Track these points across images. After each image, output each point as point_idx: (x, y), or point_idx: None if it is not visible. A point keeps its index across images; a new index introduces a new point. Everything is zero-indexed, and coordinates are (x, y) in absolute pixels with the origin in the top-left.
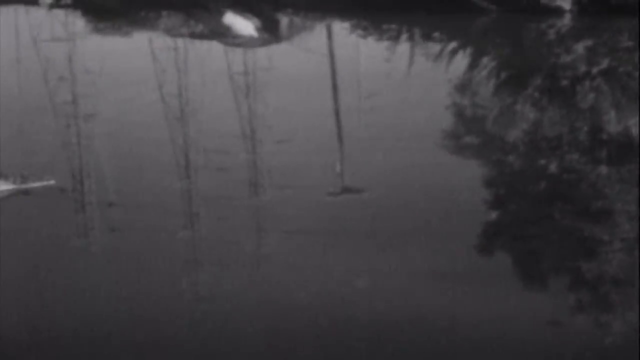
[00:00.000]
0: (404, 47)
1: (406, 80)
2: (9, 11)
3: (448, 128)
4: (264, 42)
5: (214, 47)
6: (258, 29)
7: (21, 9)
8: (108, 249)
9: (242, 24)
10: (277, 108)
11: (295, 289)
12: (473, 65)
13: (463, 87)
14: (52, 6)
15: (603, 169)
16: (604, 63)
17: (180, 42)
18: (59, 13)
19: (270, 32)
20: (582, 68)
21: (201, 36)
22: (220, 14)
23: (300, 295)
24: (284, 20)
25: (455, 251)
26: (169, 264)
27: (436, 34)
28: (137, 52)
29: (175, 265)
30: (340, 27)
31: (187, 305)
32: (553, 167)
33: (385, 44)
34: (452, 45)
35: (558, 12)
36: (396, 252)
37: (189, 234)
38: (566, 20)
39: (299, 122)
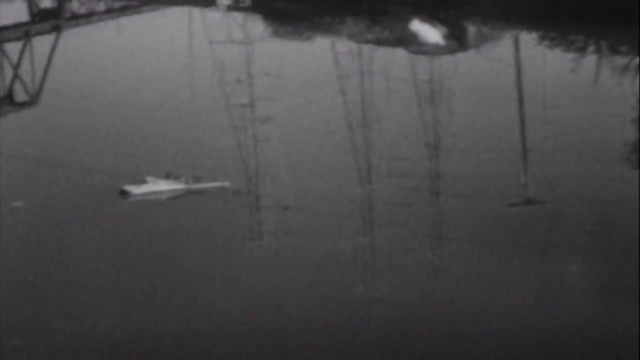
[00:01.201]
0: (590, 59)
1: (592, 92)
2: (183, 12)
3: (633, 142)
4: (450, 50)
5: (399, 54)
6: (445, 37)
7: (196, 11)
8: (282, 253)
9: (429, 32)
10: (462, 117)
11: (470, 299)
12: None
13: None
14: (229, 8)
15: None
16: None
17: (364, 48)
18: (237, 16)
19: (457, 40)
20: None
21: (386, 43)
22: (407, 21)
23: (474, 305)
24: (471, 29)
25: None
26: (344, 269)
27: (623, 47)
28: (318, 57)
29: (350, 271)
30: (528, 38)
31: (360, 310)
32: None
33: (571, 55)
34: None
35: None
36: (576, 267)
37: (365, 240)
38: None
39: (483, 131)
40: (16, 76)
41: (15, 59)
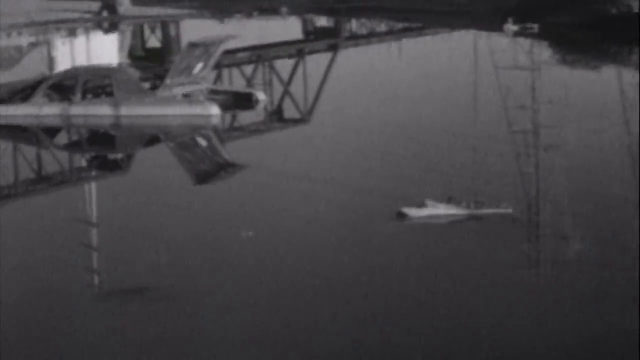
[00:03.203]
0: None
1: None
2: (468, 36)
3: None
4: None
5: None
6: None
7: (482, 35)
8: (557, 282)
9: None
10: None
11: None
12: None
13: None
14: (516, 34)
15: None
16: None
17: None
18: (523, 41)
19: None
20: None
21: None
22: None
23: None
24: None
25: None
26: (612, 301)
27: None
28: (603, 86)
29: (619, 303)
30: None
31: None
32: None
33: None
34: None
35: None
36: None
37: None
38: None
39: None
40: (287, 93)
41: (286, 76)
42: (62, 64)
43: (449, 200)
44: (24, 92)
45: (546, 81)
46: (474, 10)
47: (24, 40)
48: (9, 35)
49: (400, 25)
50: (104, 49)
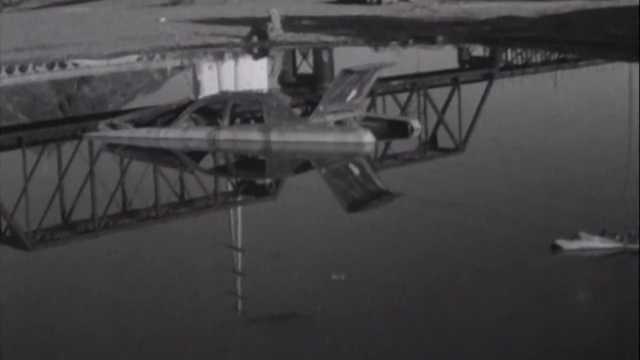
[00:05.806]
0: None
1: None
2: (622, 68)
3: None
4: None
5: None
6: None
7: (637, 67)
8: None
9: None
10: None
11: None
12: None
13: None
14: None
15: None
16: None
17: None
18: None
19: None
20: None
21: None
22: None
23: None
24: None
25: None
26: None
27: None
28: None
29: None
30: None
31: None
32: None
33: None
34: None
35: None
36: None
37: None
38: None
39: None
40: (441, 122)
41: (440, 105)
42: (208, 89)
43: (602, 233)
44: (167, 116)
45: None
46: (630, 43)
47: (168, 63)
48: (151, 58)
49: (555, 56)
50: (252, 74)
